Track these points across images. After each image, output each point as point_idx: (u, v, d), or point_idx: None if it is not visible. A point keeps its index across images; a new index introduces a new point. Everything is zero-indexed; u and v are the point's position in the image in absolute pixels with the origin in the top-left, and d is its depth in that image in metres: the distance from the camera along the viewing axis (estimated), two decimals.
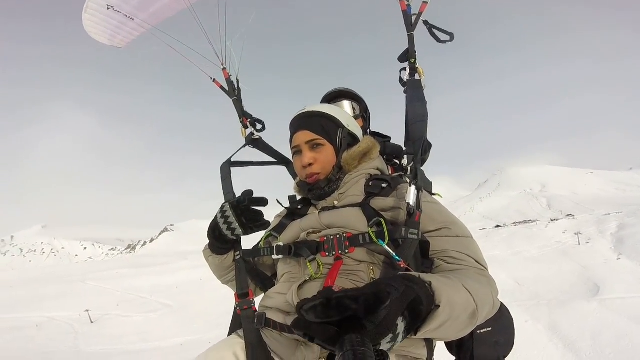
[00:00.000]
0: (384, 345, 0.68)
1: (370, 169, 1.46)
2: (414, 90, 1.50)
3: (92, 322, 13.14)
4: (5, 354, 11.61)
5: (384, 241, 1.15)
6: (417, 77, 1.53)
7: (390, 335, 0.68)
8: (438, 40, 1.57)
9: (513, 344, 1.39)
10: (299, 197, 1.61)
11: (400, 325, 0.71)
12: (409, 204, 1.20)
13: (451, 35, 1.57)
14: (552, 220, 25.93)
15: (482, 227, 34.13)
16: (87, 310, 13.67)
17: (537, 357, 5.44)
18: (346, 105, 2.21)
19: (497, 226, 30.83)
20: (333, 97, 2.19)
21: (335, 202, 1.40)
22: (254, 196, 1.40)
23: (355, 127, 1.52)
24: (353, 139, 1.50)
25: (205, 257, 1.61)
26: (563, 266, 11.13)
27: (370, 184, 1.40)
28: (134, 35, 2.35)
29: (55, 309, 15.70)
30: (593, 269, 10.16)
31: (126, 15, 2.17)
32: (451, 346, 1.38)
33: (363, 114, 2.29)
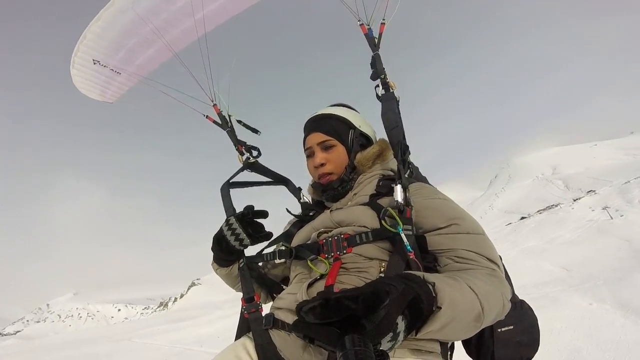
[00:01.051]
0: (385, 345, 0.68)
1: (384, 170, 1.47)
2: (387, 102, 1.52)
3: None
4: None
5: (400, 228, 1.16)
6: (390, 90, 1.56)
7: (391, 335, 0.68)
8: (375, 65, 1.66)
9: (538, 344, 1.28)
10: (311, 201, 1.66)
11: (401, 324, 0.71)
12: (397, 201, 1.22)
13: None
14: (574, 200, 25.79)
15: (507, 222, 33.88)
16: None
17: (618, 335, 5.42)
18: None
19: (522, 218, 30.54)
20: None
21: (349, 203, 1.42)
22: (255, 210, 1.45)
23: (367, 128, 1.55)
24: (366, 140, 1.54)
25: (213, 269, 1.66)
26: (605, 244, 11.17)
27: (381, 183, 1.41)
28: (123, 90, 2.34)
29: None
30: (638, 241, 10.22)
31: (113, 70, 2.18)
32: (469, 347, 1.31)
33: None
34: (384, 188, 1.37)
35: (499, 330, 1.22)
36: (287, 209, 1.63)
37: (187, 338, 19.33)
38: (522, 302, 1.29)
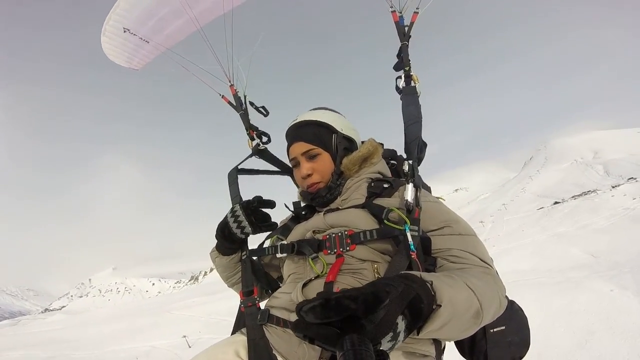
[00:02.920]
0: (385, 345, 0.68)
1: (371, 173, 1.46)
2: (409, 97, 1.51)
3: (189, 347, 14.44)
4: None
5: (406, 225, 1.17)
6: (412, 84, 1.55)
7: (391, 334, 0.68)
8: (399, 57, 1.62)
9: (529, 343, 1.31)
10: (303, 204, 1.63)
11: (401, 324, 0.72)
12: (407, 200, 1.23)
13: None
14: (613, 187, 24.85)
15: (540, 206, 33.07)
16: (185, 336, 15.07)
17: (633, 322, 5.66)
18: None
19: (556, 202, 29.74)
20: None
21: (339, 206, 1.42)
22: (263, 199, 1.46)
23: (350, 130, 1.52)
24: (350, 143, 1.51)
25: (212, 258, 1.64)
26: (636, 232, 11.03)
27: (372, 184, 1.41)
28: (149, 58, 2.41)
29: (154, 338, 17.32)
30: None
31: (141, 38, 2.24)
32: (463, 347, 1.32)
33: None
34: (378, 189, 1.38)
35: (491, 330, 1.24)
36: (285, 204, 1.60)
37: (222, 309, 20.76)
38: (513, 302, 1.30)
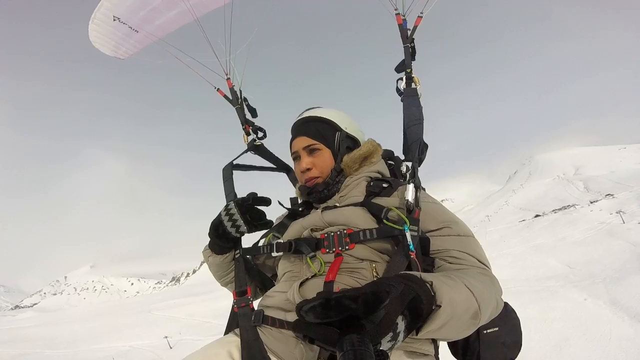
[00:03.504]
0: (385, 345, 0.68)
1: (371, 172, 1.45)
2: (410, 98, 1.51)
3: (170, 348, 14.27)
4: None
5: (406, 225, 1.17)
6: (413, 85, 1.55)
7: (391, 334, 0.68)
8: (412, 58, 1.62)
9: (521, 345, 1.31)
10: (300, 200, 1.62)
11: (401, 324, 0.72)
12: (407, 201, 1.22)
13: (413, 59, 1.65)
14: (591, 202, 25.72)
15: (522, 218, 33.90)
16: (166, 337, 14.88)
17: (605, 330, 5.89)
18: None
19: (537, 215, 30.56)
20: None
21: (337, 204, 1.40)
22: (258, 196, 1.42)
23: (355, 130, 1.52)
24: (353, 142, 1.50)
25: (205, 257, 1.59)
26: (611, 245, 11.44)
27: (372, 184, 1.40)
28: (137, 48, 2.34)
29: (134, 338, 17.02)
30: None
31: (131, 28, 2.19)
32: (456, 349, 1.31)
33: None
34: (377, 188, 1.38)
35: (485, 332, 1.23)
36: (279, 202, 1.59)
37: (204, 311, 20.58)
38: (506, 304, 1.28)
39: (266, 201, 1.43)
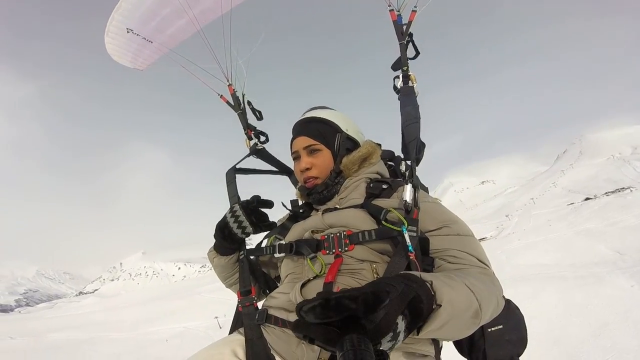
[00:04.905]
0: (385, 345, 0.68)
1: (370, 174, 1.46)
2: (407, 96, 1.50)
3: (220, 328, 15.28)
4: None
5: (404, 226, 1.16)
6: (410, 84, 1.54)
7: (391, 334, 0.68)
8: (416, 53, 1.60)
9: (526, 342, 1.31)
10: (301, 202, 1.62)
11: (401, 324, 0.71)
12: (406, 201, 1.22)
13: (418, 53, 1.62)
14: None
15: (570, 201, 32.30)
16: (216, 317, 15.95)
17: None
18: None
19: (587, 199, 29.00)
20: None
21: (337, 206, 1.41)
22: (261, 199, 1.45)
23: (355, 131, 1.53)
24: (353, 144, 1.51)
25: (210, 259, 1.62)
26: None
27: (371, 185, 1.40)
28: (153, 58, 2.39)
29: (186, 319, 18.51)
30: None
31: (145, 38, 2.23)
32: (462, 346, 1.32)
33: None
34: (376, 189, 1.38)
35: (489, 329, 1.24)
36: (282, 203, 1.61)
37: None
38: (509, 301, 1.30)
39: (269, 203, 1.47)
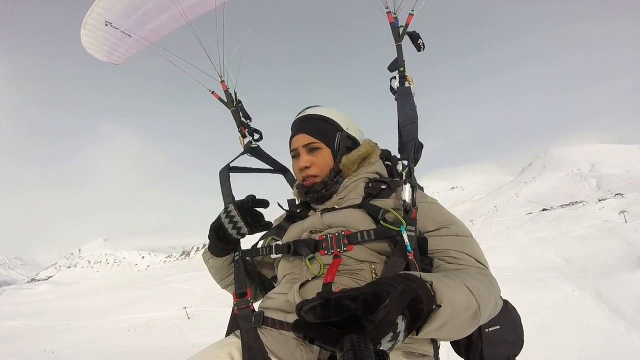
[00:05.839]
0: (385, 345, 0.68)
1: (369, 173, 1.45)
2: (404, 97, 1.49)
3: (188, 318, 15.35)
4: (130, 350, 13.99)
5: (402, 227, 1.16)
6: (406, 84, 1.52)
7: (391, 334, 0.69)
8: (419, 49, 1.61)
9: (523, 342, 1.32)
10: (298, 201, 1.60)
11: (401, 324, 0.72)
12: (404, 201, 1.22)
13: (423, 47, 1.63)
14: (599, 200, 25.89)
15: (529, 211, 34.18)
16: (185, 308, 15.92)
17: (586, 319, 6.56)
18: None
19: (544, 209, 30.82)
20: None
21: (336, 206, 1.40)
22: (256, 198, 1.42)
23: (355, 130, 1.52)
24: (353, 143, 1.49)
25: (204, 260, 1.60)
26: (609, 243, 11.97)
27: (370, 185, 1.39)
28: (131, 53, 2.32)
29: (153, 309, 18.25)
30: (639, 244, 11.02)
31: (124, 32, 2.16)
32: (459, 347, 1.32)
33: None
34: (375, 190, 1.37)
35: (487, 330, 1.23)
36: (278, 203, 1.58)
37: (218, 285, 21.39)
38: (507, 302, 1.29)
39: (264, 203, 1.44)
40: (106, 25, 2.09)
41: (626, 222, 14.78)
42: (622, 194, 28.24)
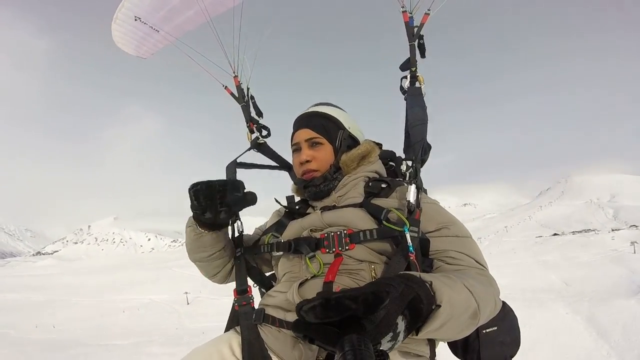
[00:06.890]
0: (385, 345, 0.68)
1: (368, 172, 1.45)
2: (414, 97, 1.49)
3: (188, 303, 15.59)
4: (127, 329, 14.36)
5: (406, 227, 1.15)
6: (417, 84, 1.52)
7: (391, 334, 0.69)
8: (422, 55, 1.59)
9: (519, 343, 1.32)
10: (297, 198, 1.60)
11: (401, 324, 0.72)
12: (409, 201, 1.22)
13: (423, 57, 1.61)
14: (612, 230, 25.56)
15: (539, 234, 33.79)
16: (186, 293, 16.19)
17: (573, 341, 6.66)
18: None
19: (555, 234, 30.54)
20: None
21: (335, 204, 1.39)
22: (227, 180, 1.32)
23: (356, 130, 1.52)
24: (353, 141, 1.50)
25: (186, 225, 1.46)
26: (613, 271, 11.82)
27: (370, 184, 1.38)
28: (157, 47, 2.40)
29: (154, 292, 18.51)
30: None
31: (152, 27, 2.23)
32: (456, 348, 1.30)
33: None
34: (375, 189, 1.36)
35: (484, 331, 1.22)
36: (275, 199, 1.60)
37: None
38: (504, 303, 1.28)
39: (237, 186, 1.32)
40: (135, 20, 2.18)
41: (635, 252, 14.62)
42: (637, 226, 27.71)
